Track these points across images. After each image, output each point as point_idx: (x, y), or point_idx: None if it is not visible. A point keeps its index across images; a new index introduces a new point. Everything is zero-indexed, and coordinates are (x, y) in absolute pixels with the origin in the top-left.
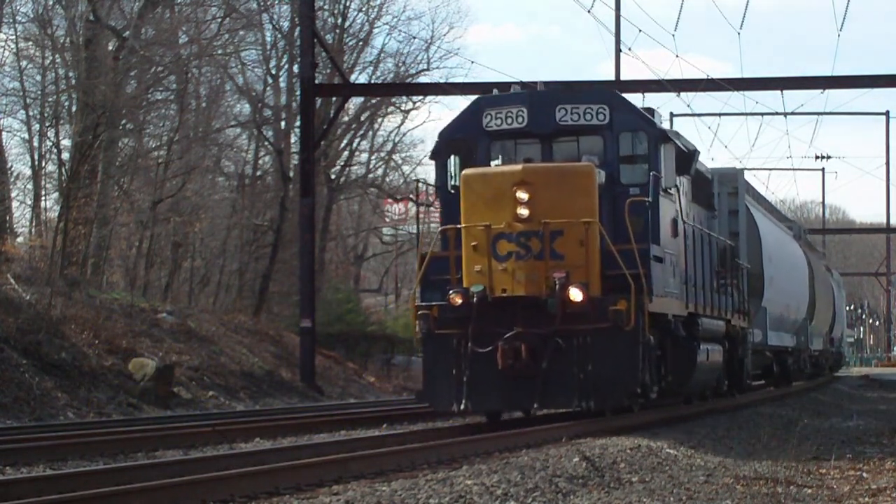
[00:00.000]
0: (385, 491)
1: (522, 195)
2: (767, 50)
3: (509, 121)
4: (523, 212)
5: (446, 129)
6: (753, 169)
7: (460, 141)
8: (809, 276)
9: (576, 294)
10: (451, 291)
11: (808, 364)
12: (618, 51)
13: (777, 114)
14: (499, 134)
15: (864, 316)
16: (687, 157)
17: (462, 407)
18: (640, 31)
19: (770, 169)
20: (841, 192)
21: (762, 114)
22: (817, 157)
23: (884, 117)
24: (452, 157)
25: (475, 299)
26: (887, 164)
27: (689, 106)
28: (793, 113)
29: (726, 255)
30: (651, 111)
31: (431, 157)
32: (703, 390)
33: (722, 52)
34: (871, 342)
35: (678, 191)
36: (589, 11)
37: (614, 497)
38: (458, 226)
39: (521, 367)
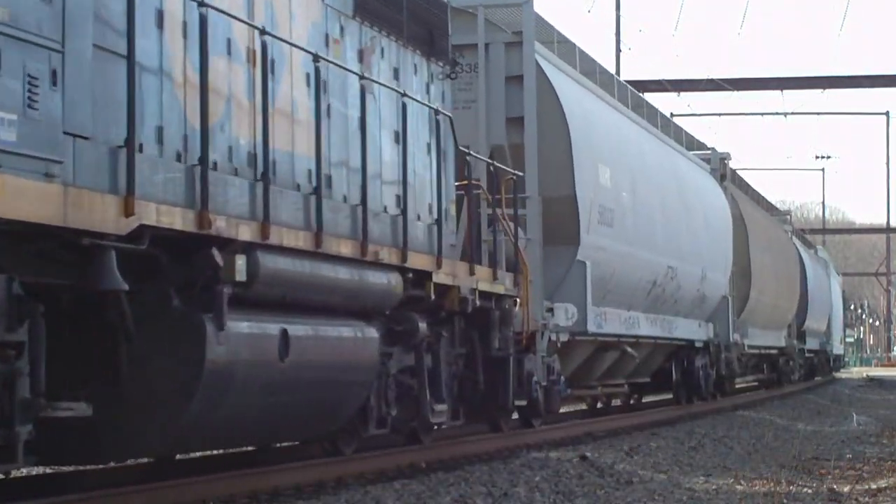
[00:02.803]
0: (386, 491)
1: None
2: (767, 50)
3: None
4: None
5: None
6: (753, 169)
7: None
8: (736, 229)
9: None
10: None
11: (749, 368)
12: (618, 51)
13: (777, 114)
14: None
15: (864, 316)
16: None
17: None
18: (640, 30)
19: (770, 169)
20: (841, 192)
21: (762, 114)
22: (817, 157)
23: (884, 117)
24: None
25: None
26: (887, 164)
27: (689, 106)
28: (793, 113)
29: (438, 139)
30: None
31: None
32: (259, 441)
33: (722, 51)
34: (872, 342)
35: None
36: (589, 11)
37: (614, 497)
38: None
39: None
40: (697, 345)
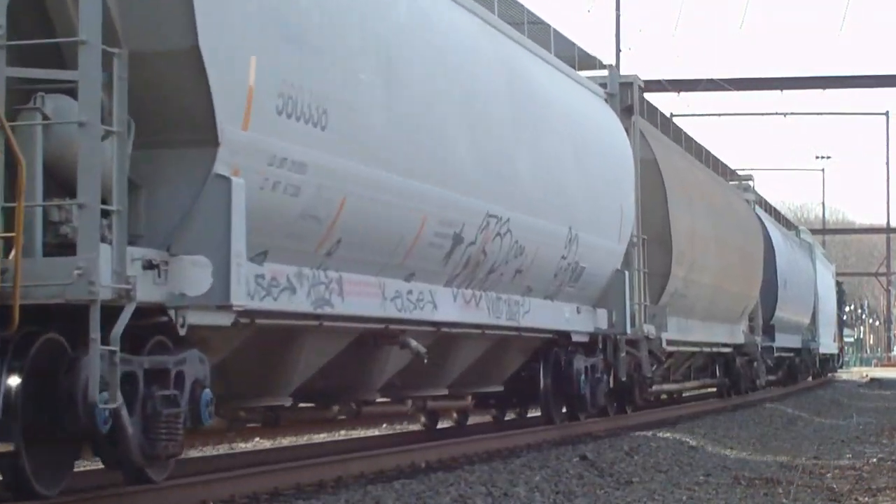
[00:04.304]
0: (386, 491)
1: None
2: (767, 50)
3: None
4: None
5: None
6: (753, 169)
7: None
8: (646, 180)
9: None
10: None
11: (693, 371)
12: (618, 51)
13: (777, 114)
14: None
15: (864, 316)
16: None
17: None
18: (640, 30)
19: (770, 169)
20: (841, 192)
21: (762, 114)
22: (817, 158)
23: (884, 117)
24: None
25: None
26: (887, 164)
27: (689, 106)
28: (793, 113)
29: None
30: None
31: None
32: None
33: (722, 51)
34: (871, 342)
35: None
36: (589, 11)
37: (614, 497)
38: None
39: None
40: (577, 339)
